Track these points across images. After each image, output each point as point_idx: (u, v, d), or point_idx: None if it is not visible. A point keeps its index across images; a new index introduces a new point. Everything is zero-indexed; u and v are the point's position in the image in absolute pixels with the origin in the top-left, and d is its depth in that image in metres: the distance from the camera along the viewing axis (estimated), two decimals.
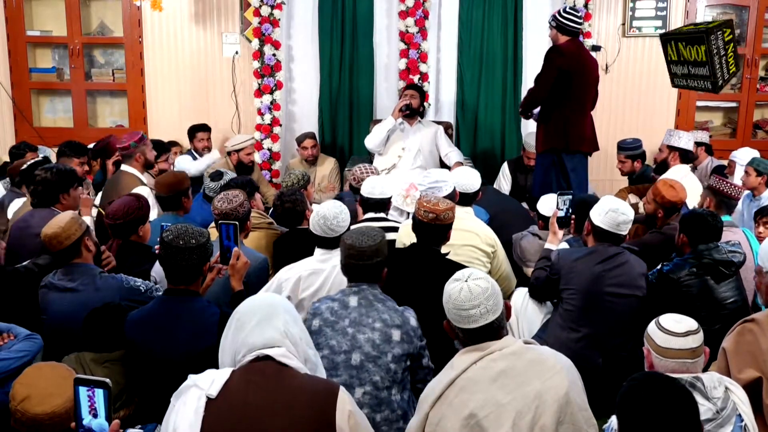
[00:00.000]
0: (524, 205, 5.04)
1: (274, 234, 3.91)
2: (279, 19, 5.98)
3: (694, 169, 5.59)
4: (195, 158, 5.87)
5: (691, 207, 4.01)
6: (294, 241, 3.70)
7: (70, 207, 3.74)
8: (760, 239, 3.91)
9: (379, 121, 5.81)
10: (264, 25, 5.95)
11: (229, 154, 5.46)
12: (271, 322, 1.92)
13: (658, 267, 3.36)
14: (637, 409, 1.82)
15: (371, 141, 5.61)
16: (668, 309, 2.49)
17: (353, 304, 2.62)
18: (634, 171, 5.29)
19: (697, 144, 5.58)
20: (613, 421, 2.10)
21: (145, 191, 4.13)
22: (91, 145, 5.38)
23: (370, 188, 3.88)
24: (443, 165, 5.59)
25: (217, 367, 1.98)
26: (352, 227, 3.07)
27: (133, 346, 2.58)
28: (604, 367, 3.16)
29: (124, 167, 4.49)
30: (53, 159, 5.04)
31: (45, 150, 5.55)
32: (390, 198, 3.97)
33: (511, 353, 2.10)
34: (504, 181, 5.76)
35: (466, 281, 2.12)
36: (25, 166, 4.34)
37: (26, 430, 2.04)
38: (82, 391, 1.77)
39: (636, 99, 6.33)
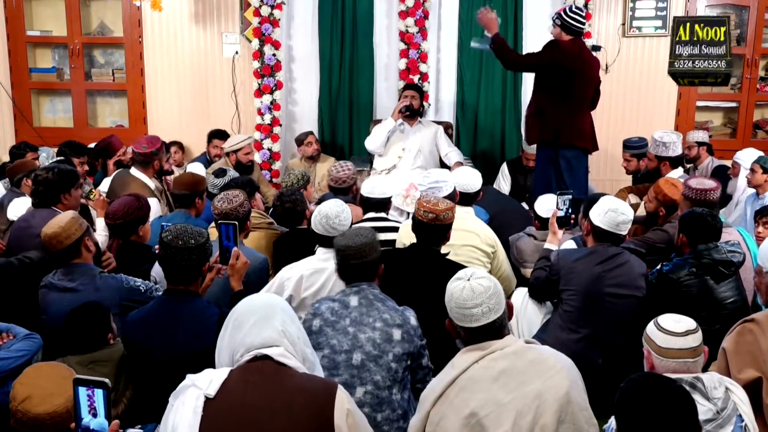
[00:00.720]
0: (524, 205, 5.04)
1: (274, 234, 3.91)
2: (279, 19, 5.98)
3: (695, 169, 5.58)
4: (207, 165, 5.78)
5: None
6: (294, 241, 3.70)
7: (71, 207, 3.73)
8: (760, 239, 3.90)
9: (379, 121, 5.81)
10: (264, 25, 5.95)
11: (227, 154, 5.46)
12: (269, 321, 1.92)
13: (658, 267, 3.36)
14: (635, 409, 1.82)
15: (371, 142, 5.60)
16: (668, 309, 2.49)
17: (354, 303, 2.62)
18: (640, 169, 5.24)
19: (698, 144, 5.57)
20: (614, 421, 2.10)
21: (153, 201, 4.13)
22: (91, 145, 5.38)
23: (370, 188, 3.88)
24: (443, 165, 5.58)
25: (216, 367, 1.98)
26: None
27: (132, 346, 2.58)
28: (604, 367, 3.15)
29: (134, 171, 4.46)
30: (53, 159, 5.02)
31: (46, 150, 5.54)
32: (390, 198, 3.97)
33: (512, 353, 2.11)
34: (503, 182, 5.75)
35: (468, 280, 2.14)
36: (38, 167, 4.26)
37: (27, 430, 2.04)
38: (82, 391, 1.78)
39: (636, 99, 6.32)
